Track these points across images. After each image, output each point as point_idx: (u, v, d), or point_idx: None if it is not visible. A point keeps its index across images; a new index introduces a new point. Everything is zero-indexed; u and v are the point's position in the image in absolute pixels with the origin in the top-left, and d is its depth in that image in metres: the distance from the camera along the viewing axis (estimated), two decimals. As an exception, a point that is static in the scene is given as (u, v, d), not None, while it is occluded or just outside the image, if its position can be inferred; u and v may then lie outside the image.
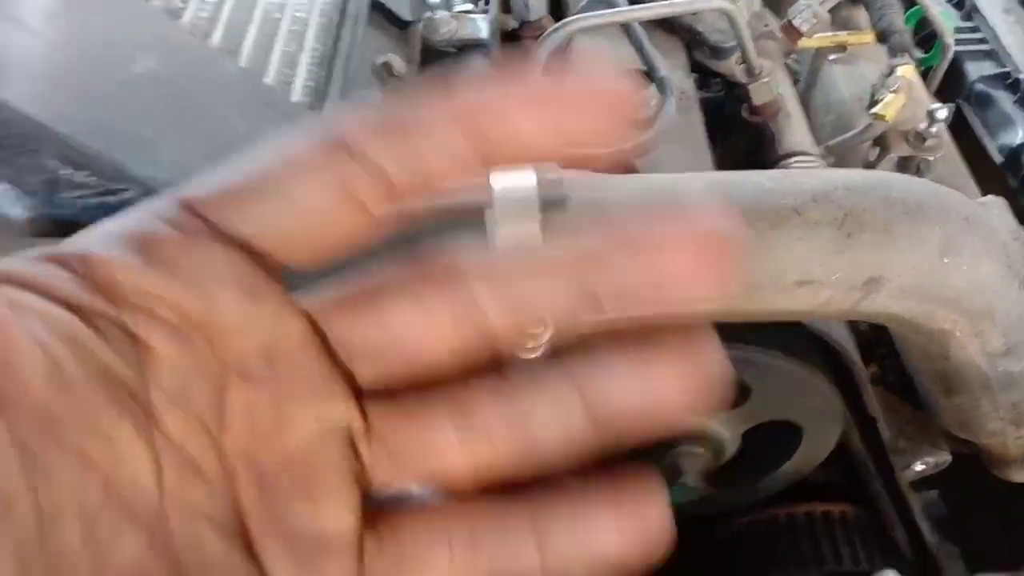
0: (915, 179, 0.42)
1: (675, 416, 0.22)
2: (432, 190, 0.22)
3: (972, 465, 0.63)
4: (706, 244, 0.21)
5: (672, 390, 0.22)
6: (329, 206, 0.22)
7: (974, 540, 0.78)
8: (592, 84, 0.21)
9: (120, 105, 0.40)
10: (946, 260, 0.40)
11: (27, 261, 0.21)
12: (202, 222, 0.22)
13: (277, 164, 0.22)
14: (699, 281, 0.21)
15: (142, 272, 0.22)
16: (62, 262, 0.21)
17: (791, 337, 0.49)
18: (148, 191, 0.39)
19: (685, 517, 0.68)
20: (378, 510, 0.25)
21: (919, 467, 0.61)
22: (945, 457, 0.60)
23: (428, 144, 0.21)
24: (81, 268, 0.21)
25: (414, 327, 0.23)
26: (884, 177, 0.41)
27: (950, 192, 0.42)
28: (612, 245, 0.22)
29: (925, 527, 0.67)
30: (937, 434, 0.60)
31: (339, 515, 0.24)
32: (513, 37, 0.66)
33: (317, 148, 0.22)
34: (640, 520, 0.23)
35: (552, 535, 0.23)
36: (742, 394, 0.52)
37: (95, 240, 0.22)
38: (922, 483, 0.68)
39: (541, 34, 0.64)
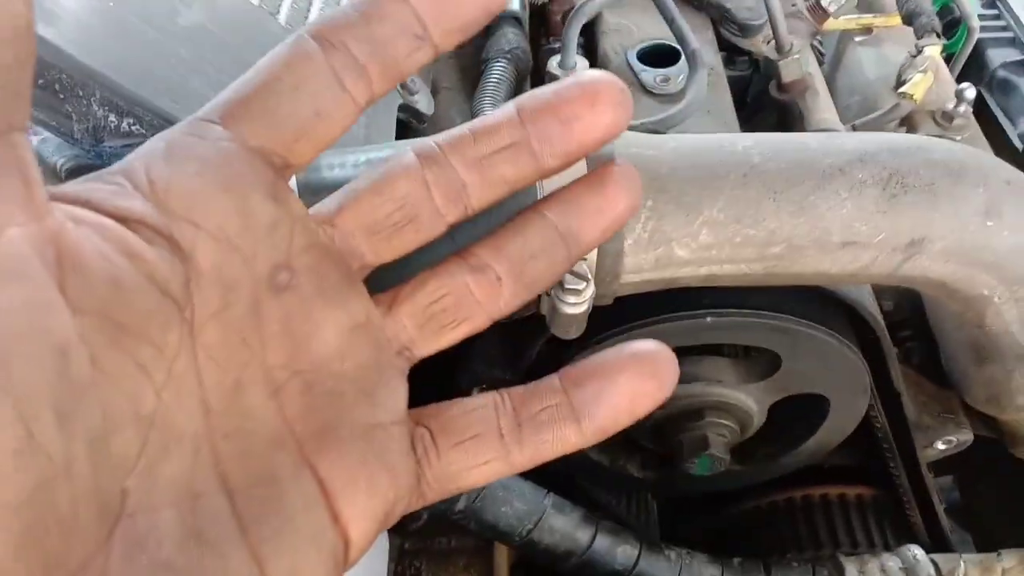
0: (956, 143, 0.42)
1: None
2: (399, 73, 0.24)
3: (987, 452, 0.64)
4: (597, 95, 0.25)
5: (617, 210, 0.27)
6: (323, 98, 0.23)
7: (987, 527, 0.79)
8: None
9: (167, 55, 0.40)
10: (989, 223, 0.40)
11: (76, 183, 0.22)
12: (224, 131, 0.23)
13: (278, 67, 0.23)
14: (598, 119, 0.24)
15: (183, 179, 0.22)
16: (106, 179, 0.22)
17: (822, 307, 0.50)
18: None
19: (706, 495, 0.68)
20: (419, 412, 0.26)
21: (941, 446, 0.61)
22: (967, 436, 0.60)
23: (389, 26, 0.23)
24: (127, 182, 0.22)
25: (412, 198, 0.25)
26: (927, 140, 0.41)
27: (991, 156, 0.42)
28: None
29: (941, 511, 0.67)
30: (960, 412, 0.60)
31: (389, 402, 0.25)
32: (543, 10, 0.67)
33: (307, 45, 0.23)
34: (654, 377, 0.26)
35: (585, 404, 0.25)
36: (771, 365, 0.52)
37: (136, 157, 0.23)
38: (937, 467, 0.68)
39: (570, 8, 0.64)
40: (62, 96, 0.38)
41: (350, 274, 0.25)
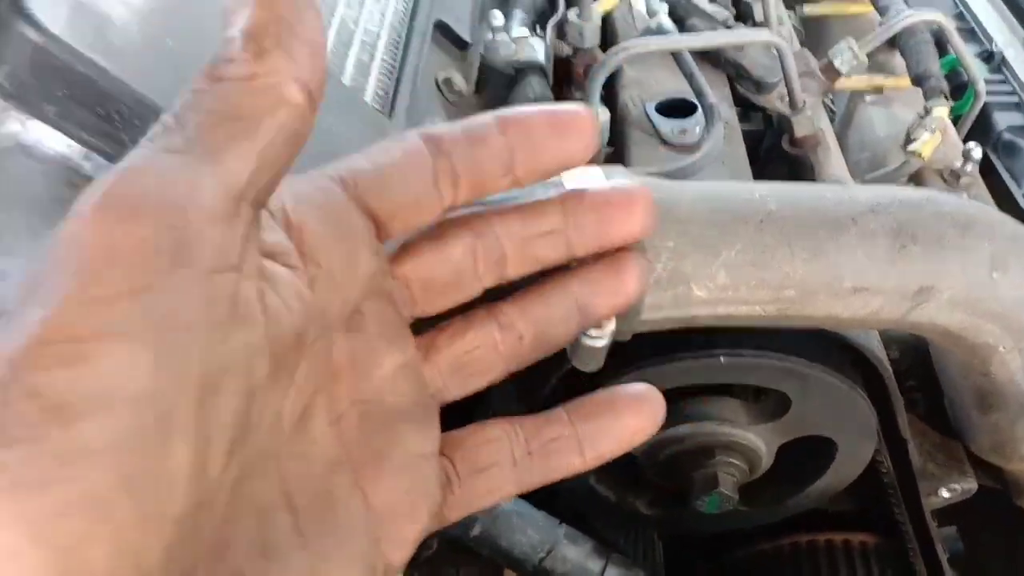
0: (964, 198, 0.44)
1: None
2: (483, 190, 0.27)
3: (991, 503, 0.65)
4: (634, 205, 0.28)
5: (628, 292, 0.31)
6: (424, 191, 0.26)
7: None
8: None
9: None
10: (995, 275, 0.42)
11: None
12: (351, 193, 0.26)
13: (397, 154, 0.26)
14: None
15: (313, 223, 0.25)
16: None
17: (833, 350, 0.51)
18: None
19: (711, 538, 0.69)
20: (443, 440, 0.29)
21: (945, 493, 0.62)
22: (972, 484, 0.61)
23: (486, 153, 0.26)
24: (269, 217, 0.24)
25: (463, 264, 0.28)
26: (936, 194, 0.43)
27: (998, 211, 0.44)
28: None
29: (944, 560, 0.68)
30: (965, 460, 0.61)
31: (429, 434, 0.28)
32: (566, 63, 0.69)
33: (422, 146, 0.26)
34: (651, 417, 0.30)
35: (589, 436, 0.29)
36: (781, 407, 0.54)
37: (287, 197, 0.25)
38: (941, 517, 0.69)
39: (592, 62, 0.67)
40: (120, 125, 0.40)
41: (402, 320, 0.28)
